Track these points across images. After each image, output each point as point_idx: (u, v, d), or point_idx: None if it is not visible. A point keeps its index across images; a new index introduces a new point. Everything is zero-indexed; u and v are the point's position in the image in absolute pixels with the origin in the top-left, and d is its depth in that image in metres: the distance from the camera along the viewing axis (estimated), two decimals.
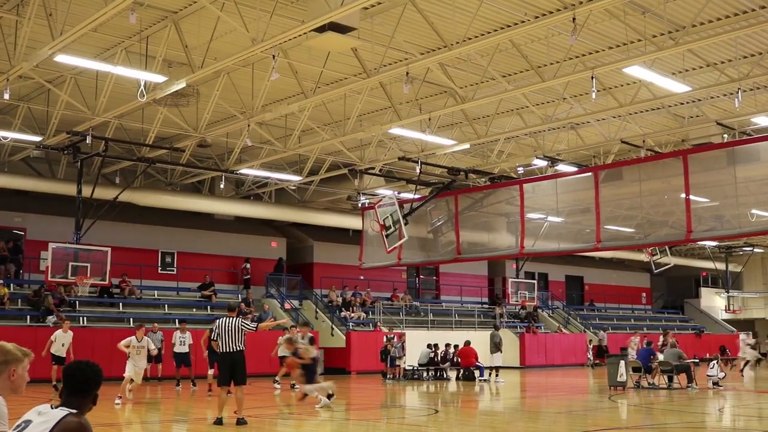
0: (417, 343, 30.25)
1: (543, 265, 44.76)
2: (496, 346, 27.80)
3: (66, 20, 15.47)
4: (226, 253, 32.99)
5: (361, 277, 35.62)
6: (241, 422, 12.65)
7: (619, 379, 22.39)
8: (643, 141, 25.63)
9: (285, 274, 34.34)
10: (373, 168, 28.61)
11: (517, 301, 36.58)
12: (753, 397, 21.87)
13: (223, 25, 16.87)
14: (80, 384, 4.07)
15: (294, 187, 32.54)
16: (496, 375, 27.26)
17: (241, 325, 13.02)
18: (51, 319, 24.76)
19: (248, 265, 33.22)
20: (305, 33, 15.63)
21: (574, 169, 25.95)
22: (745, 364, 30.88)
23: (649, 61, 17.93)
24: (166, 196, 29.73)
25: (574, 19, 14.84)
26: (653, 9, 16.56)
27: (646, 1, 16.39)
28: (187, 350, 22.48)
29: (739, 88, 19.46)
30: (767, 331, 53.13)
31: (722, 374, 23.86)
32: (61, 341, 20.54)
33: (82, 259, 23.25)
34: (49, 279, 23.18)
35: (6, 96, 18.56)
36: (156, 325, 23.82)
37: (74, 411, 3.94)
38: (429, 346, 29.55)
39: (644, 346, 25.23)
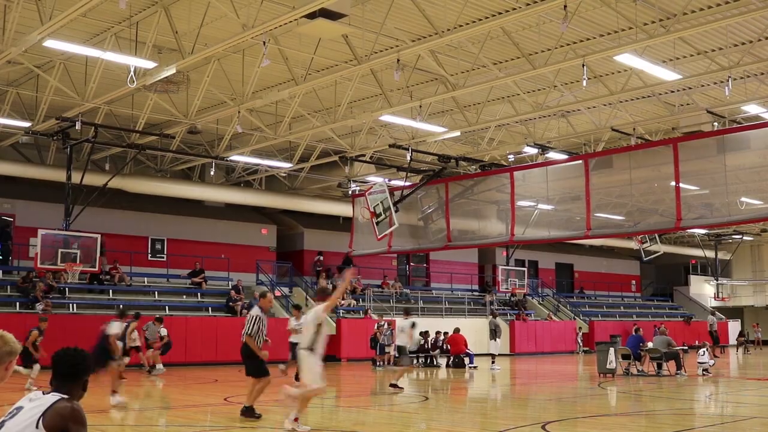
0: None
1: (533, 252, 44.86)
2: (492, 334, 27.92)
3: (55, 5, 15.36)
4: (216, 240, 32.92)
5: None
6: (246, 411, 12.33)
7: (608, 367, 22.48)
8: (634, 129, 25.67)
9: (276, 261, 34.39)
10: (364, 155, 28.59)
11: (507, 289, 36.70)
12: (741, 383, 21.99)
13: (214, 11, 16.80)
14: (69, 370, 4.08)
15: (284, 174, 32.49)
16: (492, 362, 27.36)
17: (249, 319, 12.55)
18: (39, 306, 24.67)
19: (321, 257, 34.61)
20: (296, 19, 15.57)
21: (564, 156, 25.97)
22: None
23: (639, 48, 17.94)
24: (156, 183, 29.64)
25: (565, 6, 14.81)
26: None
27: None
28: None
29: (729, 77, 19.50)
30: (756, 318, 53.46)
31: (712, 361, 23.99)
32: None
33: (71, 245, 23.20)
34: (39, 266, 23.13)
35: None
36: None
37: (66, 396, 3.94)
38: (421, 333, 29.60)
39: (634, 333, 25.31)
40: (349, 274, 12.55)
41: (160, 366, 22.97)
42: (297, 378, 18.98)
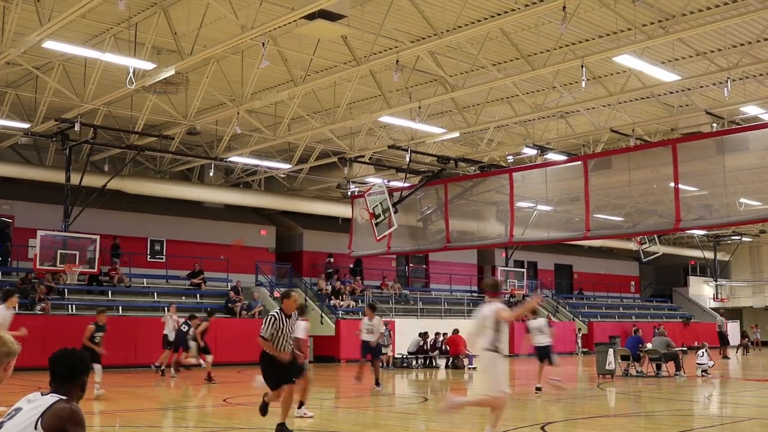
0: (406, 332, 30.24)
1: (532, 253, 44.85)
2: None
3: (54, 6, 15.35)
4: (216, 241, 32.90)
5: (351, 266, 35.66)
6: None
7: (607, 368, 22.47)
8: (633, 130, 25.69)
9: (275, 263, 34.41)
10: (363, 156, 28.58)
11: (507, 290, 36.67)
12: (740, 384, 21.99)
13: (213, 12, 16.79)
14: (67, 371, 4.09)
15: (283, 175, 32.49)
16: None
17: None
18: (38, 307, 24.63)
19: (332, 259, 34.79)
20: (295, 20, 15.59)
21: (563, 157, 25.99)
22: None
23: (638, 49, 17.95)
24: (155, 184, 29.63)
25: (564, 7, 14.82)
26: None
27: None
28: (375, 338, 18.82)
29: (728, 78, 19.51)
30: (755, 319, 53.44)
31: (711, 362, 23.99)
32: None
33: (70, 246, 23.18)
34: (38, 267, 23.11)
35: None
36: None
37: (64, 397, 3.94)
38: (420, 334, 29.60)
39: (633, 334, 25.32)
40: (535, 301, 11.67)
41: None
42: (377, 383, 18.51)
